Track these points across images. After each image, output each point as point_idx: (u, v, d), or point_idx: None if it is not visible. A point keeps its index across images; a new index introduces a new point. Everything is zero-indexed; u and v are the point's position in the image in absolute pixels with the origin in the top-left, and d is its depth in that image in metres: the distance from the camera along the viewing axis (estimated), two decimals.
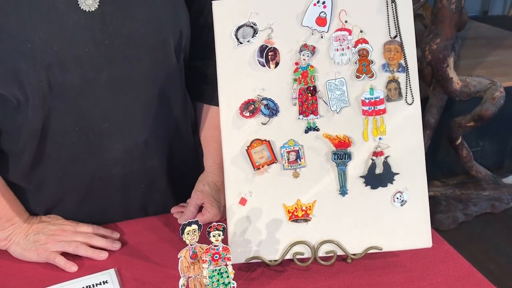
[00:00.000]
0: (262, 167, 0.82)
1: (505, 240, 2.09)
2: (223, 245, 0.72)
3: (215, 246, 0.71)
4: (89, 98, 0.82)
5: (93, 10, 0.77)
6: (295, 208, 0.83)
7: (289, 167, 0.82)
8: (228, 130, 0.82)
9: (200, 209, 0.96)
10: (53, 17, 0.75)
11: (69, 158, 0.87)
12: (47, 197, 0.92)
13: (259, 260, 0.83)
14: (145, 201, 0.98)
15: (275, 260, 0.83)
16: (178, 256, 0.72)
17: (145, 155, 0.91)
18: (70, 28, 0.76)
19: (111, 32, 0.79)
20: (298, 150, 0.82)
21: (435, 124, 2.23)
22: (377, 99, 0.82)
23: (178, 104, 0.91)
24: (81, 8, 0.77)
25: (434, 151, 2.35)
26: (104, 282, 0.82)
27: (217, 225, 0.71)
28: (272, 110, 0.82)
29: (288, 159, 0.82)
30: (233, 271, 0.73)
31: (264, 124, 0.82)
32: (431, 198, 2.23)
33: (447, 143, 2.28)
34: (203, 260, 0.71)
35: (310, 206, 0.83)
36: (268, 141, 0.82)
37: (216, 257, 0.72)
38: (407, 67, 0.83)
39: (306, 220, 0.83)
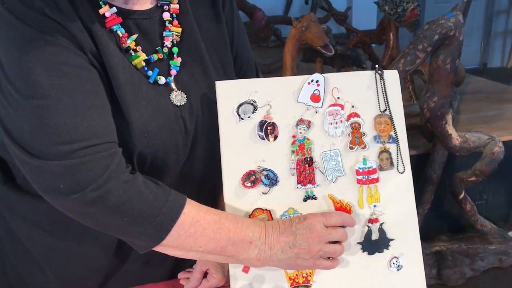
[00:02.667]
0: None
1: None
2: None
3: None
4: (176, 177, 0.91)
5: (183, 104, 0.89)
6: (296, 274, 0.86)
7: None
8: (231, 200, 0.87)
9: (205, 275, 1.00)
10: (160, 111, 0.86)
11: None
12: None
13: None
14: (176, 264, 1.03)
15: None
16: None
17: None
18: (172, 121, 0.88)
19: (197, 120, 0.91)
20: None
21: (437, 179, 2.26)
22: (370, 169, 0.88)
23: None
24: (174, 103, 0.89)
25: (438, 205, 2.38)
26: None
27: None
28: (272, 180, 0.87)
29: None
30: None
31: (265, 193, 0.87)
32: (437, 253, 2.24)
33: (450, 197, 2.30)
34: None
35: (310, 273, 0.86)
36: (269, 210, 0.87)
37: None
38: (397, 138, 0.89)
39: (307, 287, 0.86)
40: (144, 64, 0.87)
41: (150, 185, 0.80)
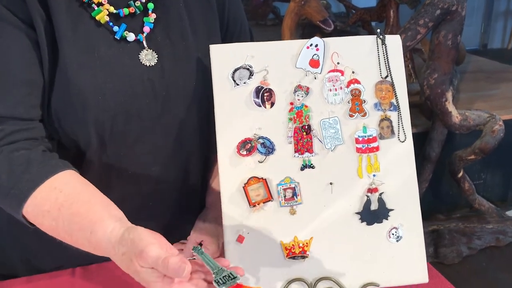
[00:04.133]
0: (258, 204, 0.84)
1: (511, 274, 2.06)
2: None
3: None
4: (144, 144, 0.87)
5: (153, 64, 0.84)
6: (292, 245, 0.84)
7: (286, 204, 0.84)
8: (226, 168, 0.84)
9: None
10: (121, 72, 0.82)
11: (119, 199, 0.90)
12: None
13: None
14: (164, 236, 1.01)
15: None
16: None
17: (180, 195, 0.96)
18: (135, 82, 0.83)
19: (168, 85, 0.86)
20: (294, 187, 0.84)
21: (436, 157, 2.24)
22: (370, 137, 0.85)
23: (212, 145, 0.95)
24: (143, 63, 0.84)
25: (436, 184, 2.36)
26: None
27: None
28: (268, 148, 0.84)
29: (285, 196, 0.84)
30: None
31: (261, 162, 0.84)
32: (435, 232, 2.23)
33: (449, 176, 2.28)
34: None
35: (307, 243, 0.84)
36: (265, 179, 0.84)
37: None
38: (399, 105, 0.86)
39: (303, 257, 0.84)
40: (108, 19, 0.82)
41: (13, 163, 0.75)
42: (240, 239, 0.84)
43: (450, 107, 2.10)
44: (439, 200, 2.41)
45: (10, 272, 0.98)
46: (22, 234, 0.97)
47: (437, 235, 2.20)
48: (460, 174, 2.23)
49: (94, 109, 0.82)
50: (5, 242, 0.98)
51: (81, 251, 0.97)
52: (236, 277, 0.64)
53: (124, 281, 0.93)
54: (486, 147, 2.06)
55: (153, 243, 0.66)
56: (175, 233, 1.02)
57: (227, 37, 0.97)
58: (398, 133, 0.85)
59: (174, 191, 0.97)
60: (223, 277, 0.64)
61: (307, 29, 2.68)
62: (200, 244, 0.97)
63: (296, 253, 0.84)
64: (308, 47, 0.84)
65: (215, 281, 0.63)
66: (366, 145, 0.85)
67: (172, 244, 1.00)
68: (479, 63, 3.15)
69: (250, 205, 0.84)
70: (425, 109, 2.30)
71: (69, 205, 0.73)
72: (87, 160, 0.88)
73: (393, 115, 0.86)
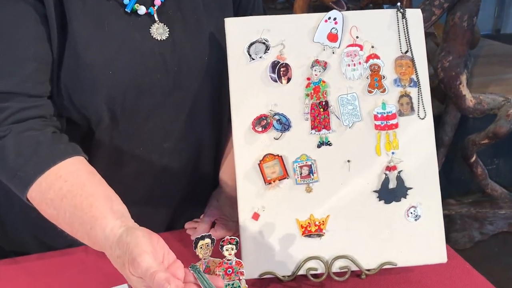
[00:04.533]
0: (274, 182, 0.82)
1: None
2: (236, 259, 0.72)
3: (228, 260, 0.71)
4: (155, 120, 0.86)
5: (164, 38, 0.82)
6: (308, 223, 0.83)
7: (302, 182, 0.82)
8: (241, 145, 0.83)
9: (213, 225, 0.97)
10: (131, 46, 0.81)
11: (131, 177, 0.89)
12: None
13: (272, 276, 0.82)
14: (174, 217, 1.00)
15: (288, 276, 0.82)
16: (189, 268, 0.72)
17: (193, 173, 0.95)
18: (146, 57, 0.82)
19: (180, 59, 0.84)
20: (310, 165, 0.82)
21: (449, 141, 2.21)
22: (390, 114, 0.83)
23: (225, 122, 0.94)
24: (154, 37, 0.82)
25: (448, 169, 2.33)
26: None
27: (230, 238, 0.71)
28: (284, 125, 0.82)
29: (301, 174, 0.82)
30: (246, 286, 0.72)
31: (277, 139, 0.82)
32: (446, 217, 2.20)
33: (461, 161, 2.26)
34: (216, 274, 0.71)
35: (323, 221, 0.83)
36: (281, 156, 0.82)
37: (229, 271, 0.71)
38: (419, 82, 0.83)
39: (319, 235, 0.82)
40: None
41: (21, 144, 0.74)
42: (255, 216, 0.82)
43: (464, 90, 2.06)
44: (451, 185, 2.38)
45: (21, 250, 0.97)
46: (33, 211, 0.96)
47: (449, 220, 2.18)
48: (473, 159, 2.20)
49: (105, 84, 0.80)
50: (17, 219, 0.98)
51: None
52: None
53: None
54: (500, 131, 2.02)
55: (146, 252, 0.63)
56: (187, 211, 1.01)
57: (239, 12, 0.95)
58: (418, 110, 0.83)
59: (187, 168, 0.95)
60: None
61: (318, 10, 2.64)
62: (214, 223, 0.96)
63: (312, 231, 0.82)
64: (326, 21, 0.82)
65: None
66: (385, 122, 0.82)
67: (185, 222, 1.00)
68: (493, 47, 3.09)
69: (265, 183, 0.82)
70: (438, 93, 2.26)
71: (72, 197, 0.71)
72: (98, 137, 0.86)
73: (413, 91, 0.83)
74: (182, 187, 0.97)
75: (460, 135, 2.22)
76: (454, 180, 2.39)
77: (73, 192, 0.72)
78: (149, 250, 0.64)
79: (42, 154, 0.74)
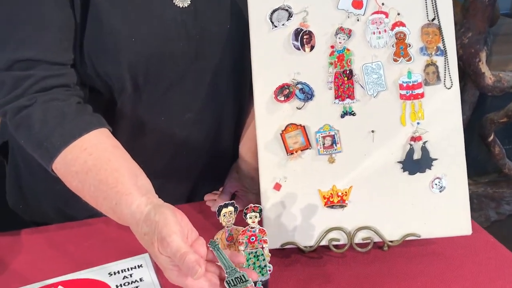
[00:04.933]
0: (296, 152, 0.81)
1: None
2: (260, 227, 0.71)
3: (251, 228, 0.71)
4: (177, 89, 0.85)
5: (186, 6, 0.81)
6: (331, 194, 0.82)
7: (325, 152, 0.81)
8: (262, 115, 0.81)
9: (233, 197, 0.96)
10: (153, 14, 0.80)
11: (153, 148, 0.89)
12: None
13: (294, 246, 0.82)
14: (194, 189, 1.00)
15: (310, 246, 0.82)
16: (215, 238, 0.72)
17: (213, 145, 0.95)
18: (168, 24, 0.81)
19: (202, 28, 0.83)
20: (333, 135, 0.81)
21: (466, 121, 2.17)
22: (415, 83, 0.81)
23: (246, 95, 0.93)
24: (176, 4, 0.81)
25: (465, 148, 2.29)
26: (139, 266, 0.82)
27: (254, 206, 0.70)
28: (307, 94, 0.81)
29: (324, 144, 0.81)
30: (269, 254, 0.72)
31: (299, 108, 0.81)
32: None
33: (479, 140, 2.22)
34: (239, 242, 0.71)
35: (346, 192, 0.82)
36: (303, 126, 0.81)
37: (253, 239, 0.71)
38: (446, 50, 0.81)
39: (342, 206, 0.81)
40: None
41: (47, 114, 0.74)
42: (277, 186, 0.81)
43: (484, 68, 2.02)
44: (468, 164, 2.34)
45: (43, 220, 0.97)
46: (55, 183, 0.96)
47: None
48: (491, 138, 2.16)
49: (128, 52, 0.79)
50: (39, 189, 0.98)
51: None
52: (247, 280, 0.63)
53: None
54: None
55: (175, 232, 0.64)
56: (208, 183, 1.00)
57: None
58: (444, 79, 0.81)
59: (207, 140, 0.94)
60: (235, 278, 0.63)
61: None
62: (234, 195, 0.96)
63: (334, 202, 0.81)
64: None
65: (226, 281, 0.63)
66: (410, 92, 0.81)
67: (205, 195, 1.00)
68: None
69: (287, 153, 0.81)
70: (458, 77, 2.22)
71: (97, 171, 0.71)
72: (120, 107, 0.86)
73: (439, 60, 0.81)
74: (202, 159, 0.97)
75: (478, 114, 2.18)
76: (471, 159, 2.33)
77: (98, 166, 0.71)
78: (178, 230, 0.64)
79: (67, 126, 0.74)
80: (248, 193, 0.95)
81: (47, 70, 0.76)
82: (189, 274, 0.61)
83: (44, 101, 0.75)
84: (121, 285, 0.78)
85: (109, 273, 0.81)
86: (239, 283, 0.62)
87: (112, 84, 0.82)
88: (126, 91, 0.83)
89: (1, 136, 1.04)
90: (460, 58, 2.02)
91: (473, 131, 2.22)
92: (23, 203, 1.03)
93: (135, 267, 0.82)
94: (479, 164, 2.37)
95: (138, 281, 0.79)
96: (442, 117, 0.81)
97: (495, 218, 2.14)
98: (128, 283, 0.79)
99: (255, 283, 0.71)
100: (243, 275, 0.63)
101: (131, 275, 0.80)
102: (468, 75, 2.08)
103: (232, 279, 0.62)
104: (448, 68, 0.81)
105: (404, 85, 0.81)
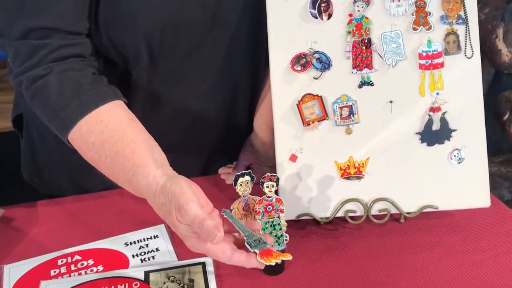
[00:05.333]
0: (312, 123, 0.80)
1: None
2: (277, 197, 0.71)
3: (268, 197, 0.70)
4: (193, 60, 0.85)
5: None
6: (347, 165, 0.81)
7: (342, 123, 0.80)
8: (279, 85, 0.80)
9: (248, 169, 0.95)
10: None
11: (168, 119, 0.88)
12: None
13: (310, 217, 0.81)
14: (208, 163, 1.00)
15: (326, 218, 0.81)
16: (231, 208, 0.71)
17: (228, 117, 0.95)
18: None
19: None
20: (351, 106, 0.80)
21: None
22: (435, 52, 0.79)
23: (262, 64, 0.92)
24: None
25: None
26: (154, 237, 0.82)
27: (271, 175, 0.70)
28: (324, 64, 0.80)
29: (341, 115, 0.80)
30: (286, 223, 0.72)
31: (316, 78, 0.80)
32: None
33: (493, 119, 2.19)
34: (256, 211, 0.71)
35: (363, 164, 0.81)
36: (320, 97, 0.80)
37: (269, 208, 0.71)
38: (467, 19, 0.79)
39: (358, 178, 0.81)
40: None
41: (63, 84, 0.73)
42: (292, 158, 0.81)
43: (500, 44, 1.98)
44: None
45: (58, 193, 0.98)
46: (70, 155, 0.97)
47: None
48: (506, 117, 2.13)
49: (143, 20, 0.78)
50: (54, 161, 0.98)
51: None
52: (266, 242, 0.63)
53: None
54: None
55: (193, 200, 0.64)
56: (222, 156, 1.00)
57: None
58: (465, 48, 0.79)
59: (222, 112, 0.94)
60: (254, 240, 0.63)
61: None
62: (248, 168, 0.95)
63: (351, 173, 0.81)
64: None
65: (247, 243, 0.63)
66: (430, 61, 0.79)
67: (219, 168, 1.00)
68: None
69: (303, 124, 0.80)
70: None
71: (114, 142, 0.71)
72: (135, 78, 0.85)
73: (460, 29, 0.79)
74: (217, 132, 0.96)
75: (493, 92, 2.15)
76: (485, 138, 2.33)
77: (115, 138, 0.71)
78: (195, 198, 0.65)
79: (84, 97, 0.73)
80: (263, 166, 0.94)
81: (63, 39, 0.76)
82: (208, 239, 0.62)
83: (60, 71, 0.75)
84: (137, 254, 0.79)
85: (125, 243, 0.81)
86: (259, 244, 0.62)
87: (127, 54, 0.82)
88: (141, 61, 0.82)
89: (16, 108, 1.04)
90: None
91: (488, 109, 2.19)
92: (38, 176, 1.03)
93: (151, 238, 0.82)
94: (493, 143, 2.33)
95: (154, 251, 0.79)
96: (462, 87, 0.79)
97: (508, 198, 2.12)
98: (144, 252, 0.79)
99: None
100: (260, 238, 0.63)
101: (147, 245, 0.80)
102: (484, 52, 2.04)
103: (252, 241, 0.63)
104: (469, 37, 0.79)
105: (424, 54, 0.79)
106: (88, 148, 0.73)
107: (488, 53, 2.00)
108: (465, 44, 0.79)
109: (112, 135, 0.71)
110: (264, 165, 0.95)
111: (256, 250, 0.62)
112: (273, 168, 0.87)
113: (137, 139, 0.72)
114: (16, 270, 0.76)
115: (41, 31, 0.74)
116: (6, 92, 2.21)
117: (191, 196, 0.64)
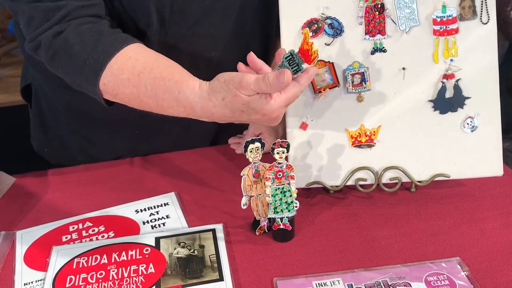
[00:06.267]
0: (324, 90, 0.79)
1: None
2: (287, 163, 0.70)
3: (278, 163, 0.70)
4: (204, 25, 0.84)
5: None
6: (359, 133, 0.80)
7: (353, 91, 0.79)
8: None
9: None
10: None
11: None
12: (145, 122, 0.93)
13: (320, 186, 0.81)
14: (218, 133, 1.00)
15: (336, 186, 0.81)
16: (241, 174, 0.71)
17: None
18: None
19: None
20: (363, 73, 0.79)
21: None
22: (450, 18, 0.77)
23: (273, 32, 0.90)
24: None
25: None
26: (165, 204, 0.83)
27: (281, 141, 0.69)
28: (336, 29, 0.78)
29: (353, 82, 0.79)
30: (296, 190, 0.71)
31: (328, 44, 0.78)
32: None
33: (506, 94, 2.16)
34: (266, 177, 0.70)
35: (374, 132, 0.80)
36: (332, 63, 0.79)
37: (280, 175, 0.70)
38: None
39: (370, 146, 0.80)
40: None
41: (83, 34, 0.73)
42: (303, 126, 0.80)
43: None
44: None
45: (68, 163, 0.98)
46: (81, 123, 0.97)
47: None
48: None
49: None
50: (64, 131, 0.99)
51: (140, 143, 0.96)
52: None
53: (182, 170, 0.92)
54: None
55: (244, 72, 0.67)
56: (232, 126, 0.99)
57: None
58: (481, 13, 0.77)
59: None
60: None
61: None
62: None
63: (362, 142, 0.80)
64: None
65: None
66: (444, 27, 0.77)
67: (229, 138, 0.99)
68: None
69: (314, 91, 0.79)
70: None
71: (149, 71, 0.71)
72: (146, 42, 0.84)
73: None
74: None
75: (506, 66, 2.11)
76: (499, 106, 2.30)
77: (149, 67, 0.71)
78: (245, 71, 0.67)
79: (106, 41, 0.73)
80: (272, 135, 0.94)
81: (79, 0, 0.75)
82: (281, 87, 0.63)
83: (77, 24, 0.74)
84: (148, 221, 0.79)
85: (136, 210, 0.82)
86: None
87: (138, 19, 0.81)
88: (152, 25, 0.81)
89: (24, 79, 1.03)
90: None
91: (501, 84, 2.16)
92: (48, 147, 1.04)
93: (161, 205, 0.82)
94: (506, 118, 2.31)
95: (164, 218, 0.79)
96: (477, 54, 0.78)
97: None
98: (155, 219, 0.79)
99: (281, 219, 0.71)
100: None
101: (157, 212, 0.81)
102: (498, 24, 2.00)
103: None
104: (486, 2, 0.77)
105: (438, 20, 0.77)
106: (123, 86, 0.72)
107: (503, 25, 1.96)
108: (481, 9, 0.77)
109: (145, 66, 0.72)
110: (273, 133, 0.94)
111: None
112: (283, 137, 0.86)
113: (170, 63, 0.73)
114: (28, 236, 0.77)
115: None
116: (14, 66, 2.21)
117: (240, 73, 0.67)
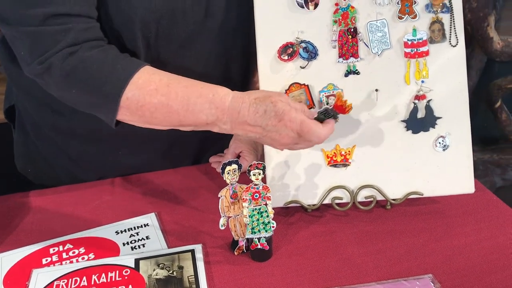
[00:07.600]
0: None
1: None
2: (263, 184, 0.72)
3: (255, 185, 0.72)
4: (189, 49, 0.86)
5: None
6: (334, 153, 0.82)
7: None
8: (266, 74, 0.81)
9: (238, 157, 0.97)
10: None
11: None
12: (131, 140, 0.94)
13: (297, 205, 0.83)
14: (200, 152, 1.01)
15: (313, 205, 0.83)
16: (219, 196, 0.73)
17: None
18: None
19: None
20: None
21: (473, 87, 2.15)
22: (420, 41, 0.80)
23: (253, 54, 0.92)
24: None
25: (472, 115, 2.26)
26: (145, 225, 0.83)
27: (257, 163, 0.71)
28: (311, 53, 0.80)
29: (327, 104, 0.81)
30: (273, 210, 0.73)
31: (303, 67, 0.81)
32: None
33: (485, 107, 2.21)
34: (243, 199, 0.72)
35: (349, 151, 0.82)
36: (307, 86, 0.81)
37: (256, 196, 0.72)
38: (452, 7, 0.80)
39: (345, 165, 0.82)
40: None
41: (99, 54, 0.74)
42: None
43: (492, 32, 1.99)
44: (474, 132, 2.33)
45: (52, 183, 0.99)
46: (66, 142, 0.97)
47: None
48: (498, 104, 2.14)
49: (141, 9, 0.79)
50: (48, 152, 0.99)
51: (123, 161, 0.97)
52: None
53: (162, 189, 0.94)
54: None
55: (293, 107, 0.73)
56: (213, 146, 1.01)
57: None
58: (450, 36, 0.80)
59: None
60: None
61: None
62: (238, 156, 0.96)
63: (337, 161, 0.82)
64: None
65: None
66: (415, 50, 0.80)
67: (210, 156, 1.01)
68: None
69: None
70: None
71: (178, 82, 0.74)
72: None
73: (445, 18, 0.80)
74: None
75: (485, 80, 2.16)
76: (478, 126, 2.34)
77: (175, 80, 0.75)
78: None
79: (124, 62, 0.75)
80: (252, 153, 0.95)
81: (86, 22, 0.76)
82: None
83: (90, 46, 0.75)
84: (128, 242, 0.80)
85: (116, 232, 0.82)
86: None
87: (124, 43, 0.82)
88: (137, 49, 0.82)
89: (8, 100, 1.04)
90: (468, 23, 1.99)
91: (480, 97, 2.20)
92: (32, 167, 1.04)
93: (141, 226, 0.83)
94: (485, 130, 2.36)
95: (144, 239, 0.80)
96: (447, 75, 0.80)
97: (500, 184, 2.14)
98: (135, 240, 0.80)
99: (258, 239, 0.73)
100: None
101: (137, 234, 0.82)
102: (476, 40, 2.04)
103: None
104: (454, 25, 0.80)
105: (409, 43, 0.80)
106: (151, 96, 0.73)
107: (480, 41, 2.01)
108: (450, 32, 0.80)
109: (171, 78, 0.75)
110: (253, 152, 0.96)
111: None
112: (262, 156, 0.88)
113: (193, 80, 0.76)
114: (8, 259, 0.77)
115: (62, 17, 0.73)
116: None
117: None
